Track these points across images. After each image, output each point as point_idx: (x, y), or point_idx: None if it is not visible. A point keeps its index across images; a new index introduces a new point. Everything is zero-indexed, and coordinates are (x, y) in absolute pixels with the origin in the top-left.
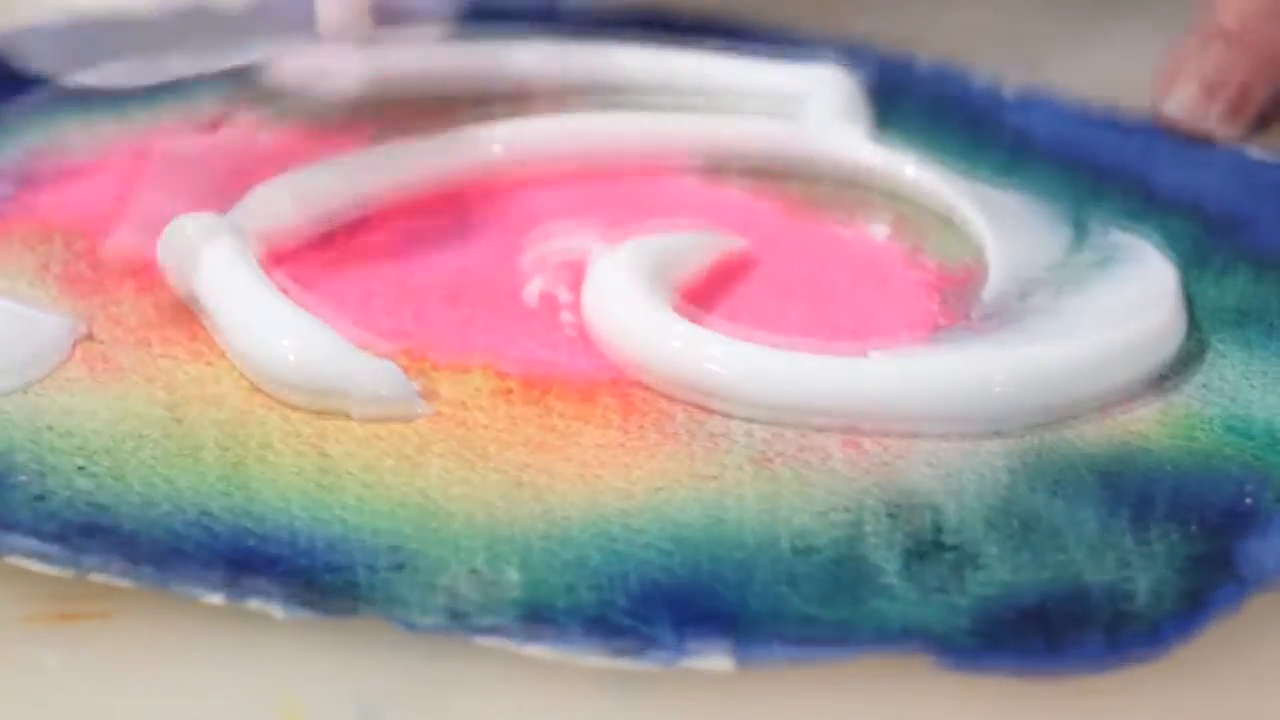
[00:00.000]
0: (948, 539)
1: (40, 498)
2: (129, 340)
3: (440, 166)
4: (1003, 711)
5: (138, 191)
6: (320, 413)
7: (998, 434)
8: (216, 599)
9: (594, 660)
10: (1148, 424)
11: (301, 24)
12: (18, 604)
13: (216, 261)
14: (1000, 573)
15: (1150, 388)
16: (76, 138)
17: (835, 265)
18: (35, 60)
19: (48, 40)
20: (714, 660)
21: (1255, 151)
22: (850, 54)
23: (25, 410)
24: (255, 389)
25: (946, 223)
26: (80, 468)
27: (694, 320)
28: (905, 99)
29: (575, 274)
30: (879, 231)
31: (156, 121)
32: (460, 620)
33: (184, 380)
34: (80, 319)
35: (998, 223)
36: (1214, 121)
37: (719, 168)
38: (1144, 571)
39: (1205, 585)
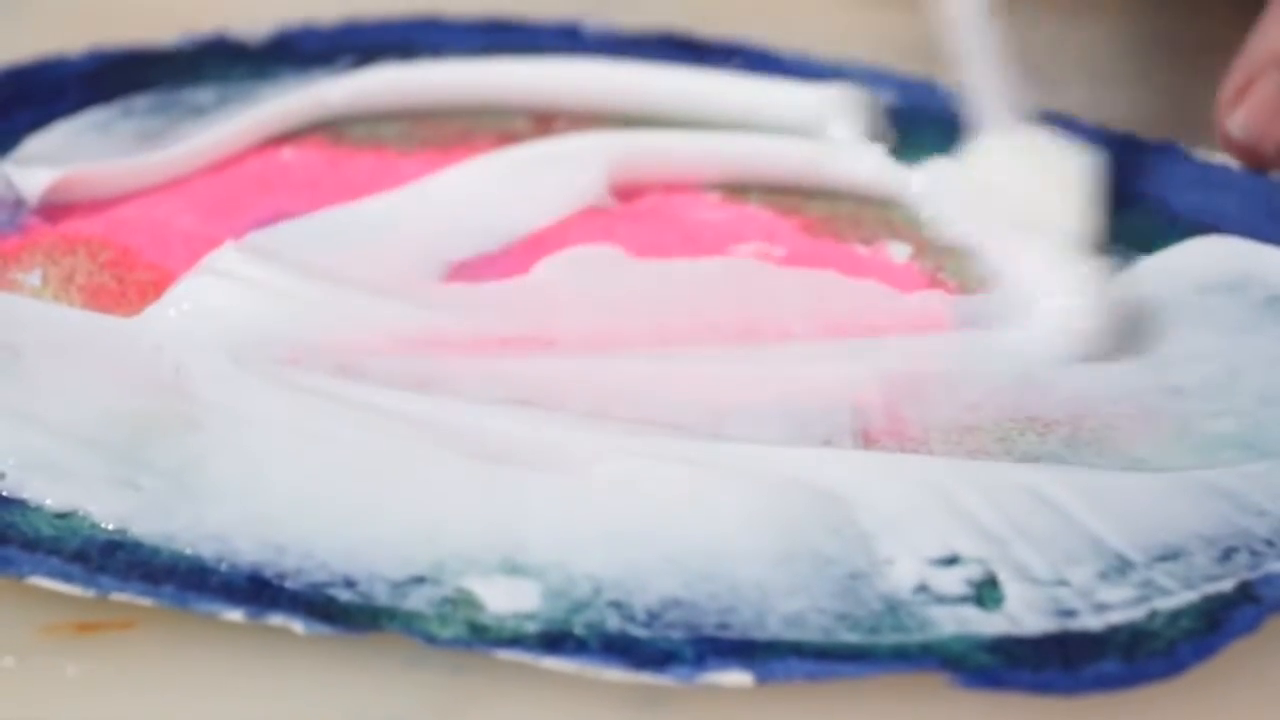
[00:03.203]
0: (966, 557)
1: (62, 516)
2: None
3: None
4: None
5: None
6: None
7: (1009, 453)
8: (237, 616)
9: (614, 675)
10: (1166, 443)
11: (318, 55)
12: (38, 613)
13: None
14: (1018, 591)
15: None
16: (101, 164)
17: (854, 286)
18: (60, 91)
19: (73, 71)
20: (733, 677)
21: (1276, 174)
22: (870, 76)
23: None
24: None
25: (966, 247)
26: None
27: None
28: (925, 120)
29: None
30: (900, 252)
31: (179, 151)
32: (480, 635)
33: None
34: None
35: (1014, 242)
36: (1275, 148)
37: (740, 187)
38: (1161, 592)
39: (1222, 606)
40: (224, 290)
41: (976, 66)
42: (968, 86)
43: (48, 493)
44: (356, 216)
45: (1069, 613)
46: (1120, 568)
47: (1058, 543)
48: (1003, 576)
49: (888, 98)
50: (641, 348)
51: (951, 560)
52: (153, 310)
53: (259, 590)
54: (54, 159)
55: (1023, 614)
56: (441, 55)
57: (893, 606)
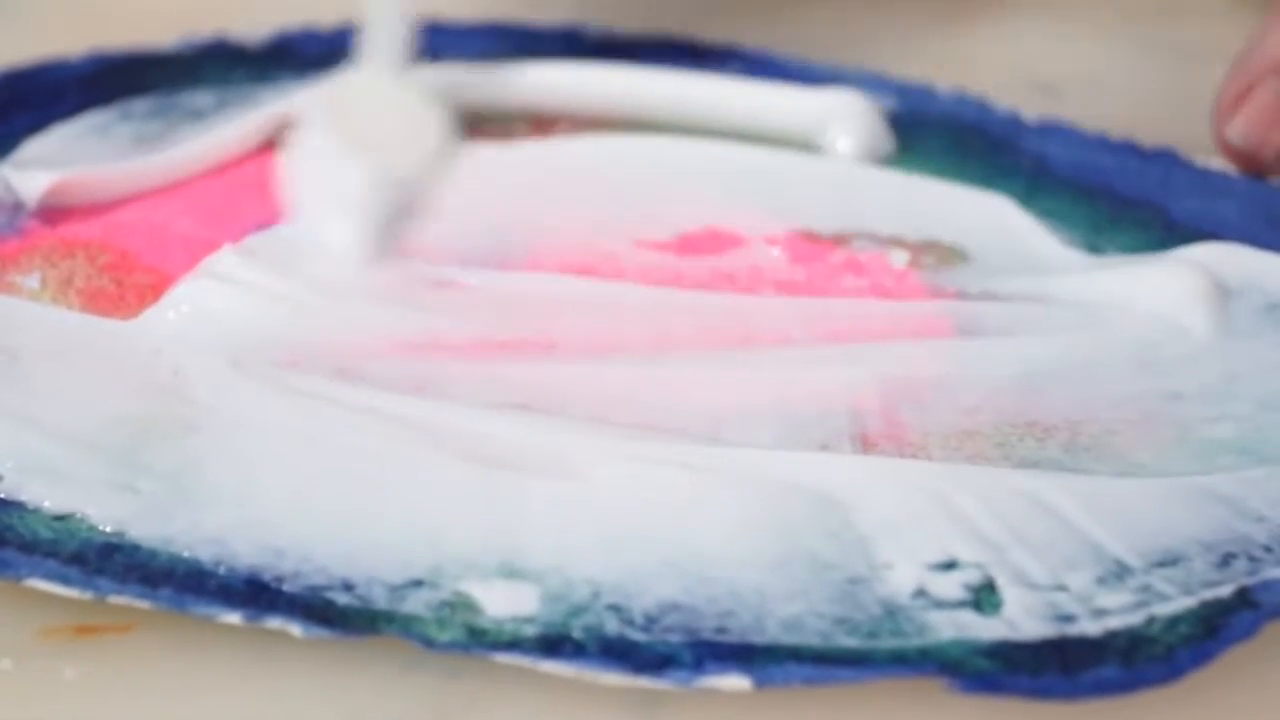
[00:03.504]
0: (964, 562)
1: (60, 518)
2: None
3: None
4: None
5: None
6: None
7: (1008, 458)
8: (235, 619)
9: (612, 679)
10: (1165, 449)
11: (319, 58)
12: (36, 615)
13: None
14: (1016, 596)
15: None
16: (100, 167)
17: (854, 292)
18: (59, 93)
19: (72, 74)
20: (731, 681)
21: (1273, 180)
22: (870, 82)
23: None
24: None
25: (965, 253)
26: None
27: None
28: (925, 126)
29: None
30: (899, 258)
31: (178, 154)
32: (478, 639)
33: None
34: None
35: None
36: (1274, 155)
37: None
38: (1160, 597)
39: (1221, 612)
40: (222, 294)
41: None
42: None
43: (46, 495)
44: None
45: (1067, 618)
46: (1119, 573)
47: (1056, 548)
48: (1001, 582)
49: (887, 102)
50: (640, 352)
51: (950, 565)
52: (151, 313)
53: (257, 593)
54: (52, 162)
55: (1021, 619)
56: (441, 59)
57: (891, 611)
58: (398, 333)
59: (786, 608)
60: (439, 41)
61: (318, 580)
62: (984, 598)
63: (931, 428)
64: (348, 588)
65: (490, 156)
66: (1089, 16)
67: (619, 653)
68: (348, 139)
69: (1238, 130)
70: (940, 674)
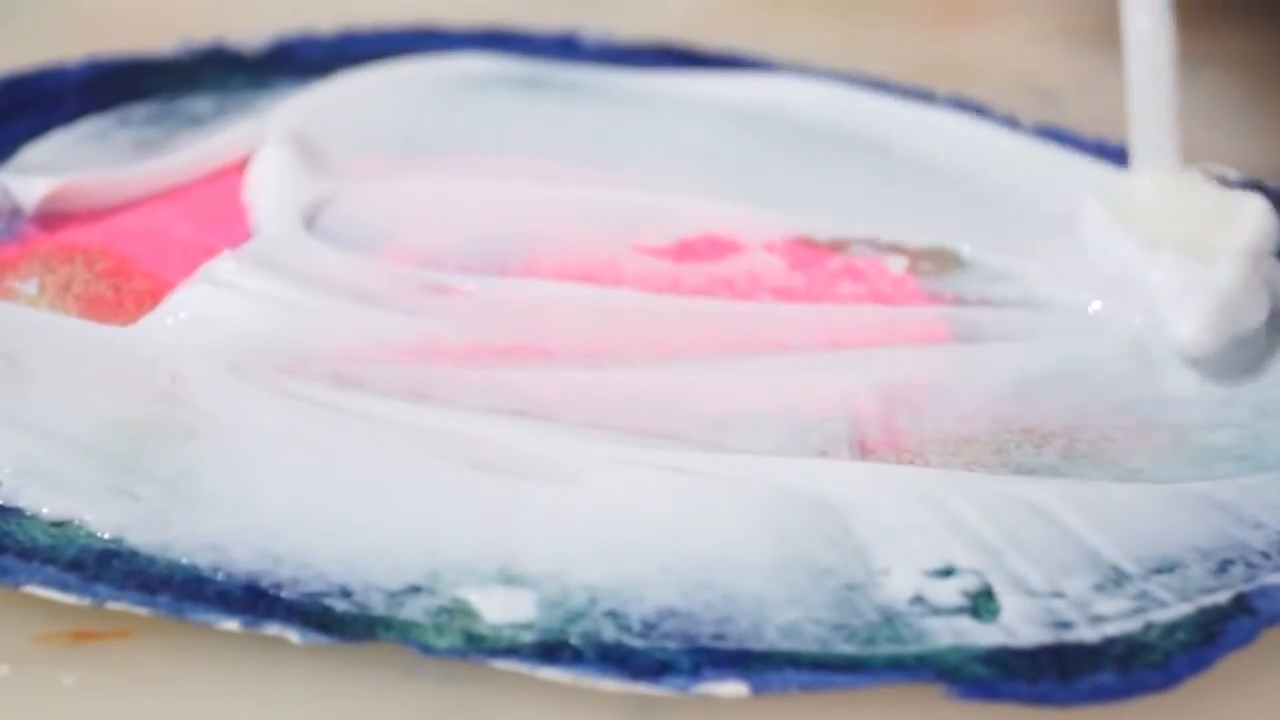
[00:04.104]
0: (962, 568)
1: (58, 524)
2: None
3: None
4: None
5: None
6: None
7: (1005, 465)
8: (233, 626)
9: (610, 685)
10: (1163, 455)
11: (317, 64)
12: (34, 621)
13: None
14: (1014, 603)
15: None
16: (99, 173)
17: (852, 298)
18: (58, 99)
19: (71, 80)
20: (729, 687)
21: (1272, 186)
22: (869, 88)
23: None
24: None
25: (963, 259)
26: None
27: None
28: None
29: None
30: (896, 264)
31: (177, 160)
32: (476, 645)
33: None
34: None
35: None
36: None
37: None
38: (1157, 604)
39: (1218, 619)
40: (221, 299)
41: (1147, 95)
42: (1133, 115)
43: (44, 501)
44: (355, 224)
45: (1065, 624)
46: (1116, 580)
47: (1053, 555)
48: (999, 588)
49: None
50: (638, 358)
51: (947, 572)
52: (150, 319)
53: (255, 600)
54: (51, 168)
55: (1019, 626)
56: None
57: (889, 617)
58: (396, 338)
59: (784, 614)
60: (437, 48)
61: (315, 587)
62: (981, 604)
63: (929, 434)
64: (345, 594)
65: (490, 160)
66: (1088, 21)
67: (616, 659)
68: (1154, 237)
69: None
70: (938, 680)
